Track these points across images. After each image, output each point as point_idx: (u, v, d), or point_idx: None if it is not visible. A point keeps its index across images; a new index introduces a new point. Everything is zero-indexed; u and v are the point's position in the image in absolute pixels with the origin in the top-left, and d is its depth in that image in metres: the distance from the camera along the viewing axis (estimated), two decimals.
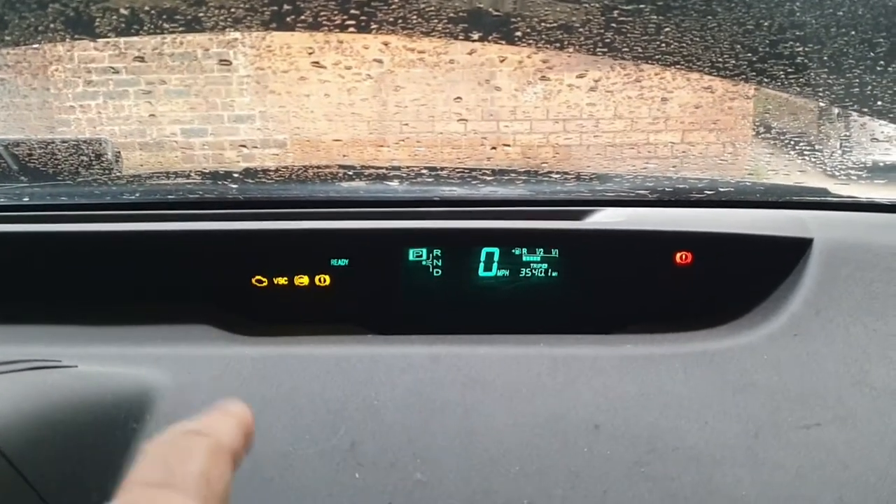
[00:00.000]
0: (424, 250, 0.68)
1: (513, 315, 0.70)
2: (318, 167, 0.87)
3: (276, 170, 0.85)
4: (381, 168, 0.88)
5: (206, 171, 0.96)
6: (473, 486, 0.48)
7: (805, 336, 0.59)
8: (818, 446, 0.50)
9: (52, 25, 0.77)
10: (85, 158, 0.86)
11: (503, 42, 0.77)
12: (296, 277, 0.68)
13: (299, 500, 0.47)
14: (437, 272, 0.69)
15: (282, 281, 0.68)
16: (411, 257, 0.68)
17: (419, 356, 0.57)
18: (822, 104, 0.87)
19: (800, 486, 0.48)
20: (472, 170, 0.85)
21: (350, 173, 0.84)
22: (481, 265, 0.68)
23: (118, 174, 0.88)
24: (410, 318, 0.69)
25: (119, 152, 0.93)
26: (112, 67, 1.50)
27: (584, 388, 0.54)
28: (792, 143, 0.94)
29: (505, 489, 0.48)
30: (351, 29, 0.75)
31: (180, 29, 0.79)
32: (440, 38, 0.76)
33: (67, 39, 0.83)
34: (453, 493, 0.47)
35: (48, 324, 0.64)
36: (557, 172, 0.85)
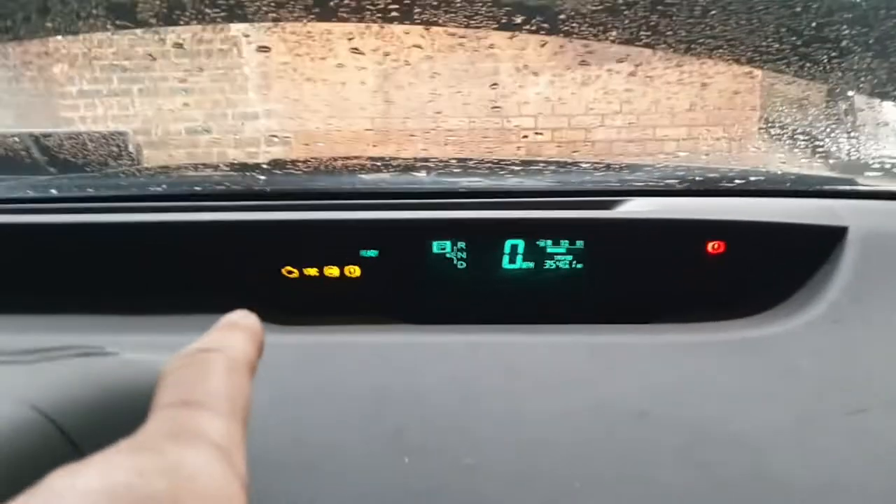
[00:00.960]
0: (448, 243, 0.68)
1: (540, 306, 0.69)
2: (347, 158, 0.87)
3: (305, 161, 0.86)
4: (410, 159, 0.89)
5: (235, 162, 0.97)
6: (523, 471, 0.48)
7: (845, 323, 0.58)
8: (866, 432, 0.49)
9: (93, 12, 0.79)
10: (113, 150, 0.88)
11: (545, 26, 0.77)
12: (326, 268, 0.69)
13: (349, 485, 0.47)
14: (462, 264, 0.68)
15: (312, 272, 0.69)
16: (435, 249, 0.68)
17: (457, 344, 0.57)
18: (862, 89, 0.84)
19: (850, 472, 0.47)
20: (500, 160, 0.85)
21: (378, 164, 0.84)
22: (506, 257, 0.68)
23: (144, 166, 0.90)
24: (438, 310, 0.70)
25: (139, 146, 0.94)
26: (118, 65, 1.52)
27: (626, 376, 0.54)
28: (825, 131, 0.91)
29: (555, 473, 0.47)
30: (392, 13, 0.75)
31: (219, 17, 0.80)
32: (481, 22, 0.76)
33: (109, 27, 0.84)
34: (504, 476, 0.47)
35: (82, 314, 0.65)
36: (586, 162, 0.84)
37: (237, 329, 0.31)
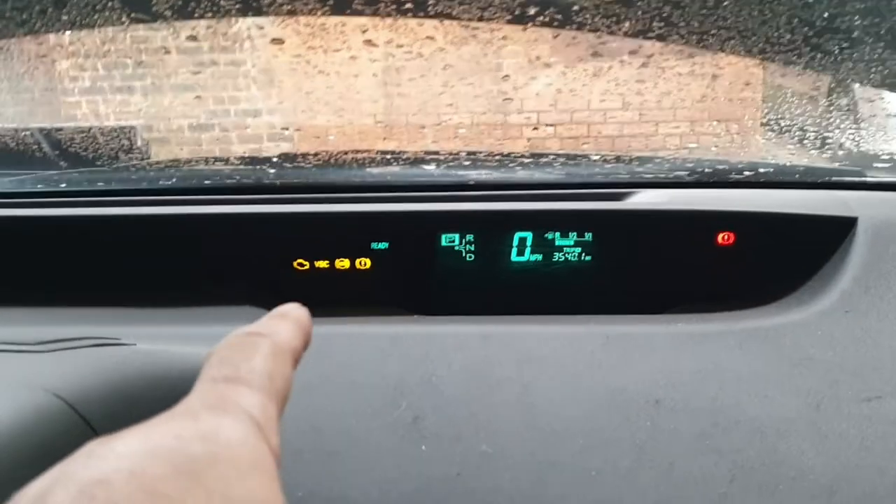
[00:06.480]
0: (457, 235, 0.68)
1: (549, 298, 0.70)
2: (357, 151, 0.88)
3: (315, 154, 0.86)
4: (419, 152, 0.89)
5: (245, 156, 0.98)
6: (540, 458, 0.48)
7: (857, 312, 0.59)
8: (880, 418, 0.50)
9: (109, 4, 0.79)
10: (124, 144, 0.88)
11: (557, 18, 0.77)
12: (337, 261, 0.69)
13: (368, 471, 0.48)
14: (471, 256, 0.69)
15: (323, 264, 0.69)
16: (444, 242, 0.68)
17: (471, 334, 0.58)
18: (872, 80, 0.84)
19: (865, 457, 0.48)
20: (509, 153, 0.85)
21: (388, 157, 0.85)
22: (514, 249, 0.68)
23: (154, 160, 0.90)
24: (448, 302, 0.70)
25: (147, 141, 0.95)
26: (123, 61, 1.53)
27: (640, 364, 0.55)
28: (834, 122, 0.91)
29: (572, 461, 0.48)
30: (406, 5, 0.75)
31: (234, 10, 0.81)
32: (495, 14, 0.76)
33: (124, 20, 0.84)
34: (520, 464, 0.48)
35: (97, 306, 0.66)
36: (595, 154, 0.84)
37: (286, 319, 0.32)
